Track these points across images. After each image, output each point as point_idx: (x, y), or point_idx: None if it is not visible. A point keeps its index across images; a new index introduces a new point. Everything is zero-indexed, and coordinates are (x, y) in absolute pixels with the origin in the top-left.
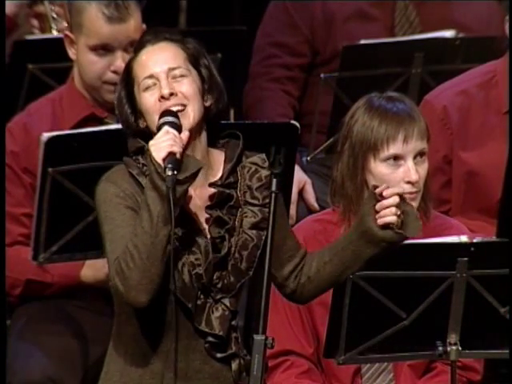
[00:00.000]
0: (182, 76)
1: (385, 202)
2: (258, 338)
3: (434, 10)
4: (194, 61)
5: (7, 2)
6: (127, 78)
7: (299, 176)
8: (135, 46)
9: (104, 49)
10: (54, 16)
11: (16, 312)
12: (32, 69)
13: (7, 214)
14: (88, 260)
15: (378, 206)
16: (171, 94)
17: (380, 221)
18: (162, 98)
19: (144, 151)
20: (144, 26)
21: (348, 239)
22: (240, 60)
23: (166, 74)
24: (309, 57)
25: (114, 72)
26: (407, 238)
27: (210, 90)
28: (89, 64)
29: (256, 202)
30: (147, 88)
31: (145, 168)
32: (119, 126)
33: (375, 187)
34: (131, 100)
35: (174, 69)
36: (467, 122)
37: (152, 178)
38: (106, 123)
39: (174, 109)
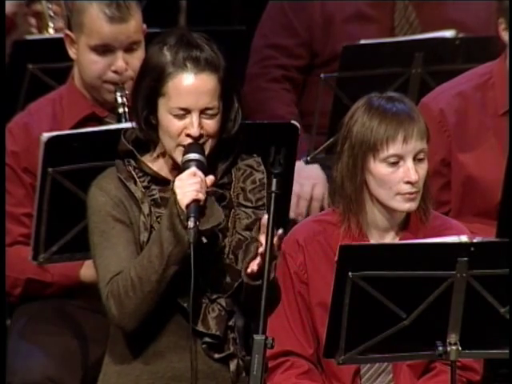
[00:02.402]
0: (212, 115)
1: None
2: (258, 338)
3: (434, 11)
4: (225, 93)
5: (6, 2)
6: (155, 84)
7: (314, 173)
8: (174, 57)
9: (105, 49)
10: (52, 14)
11: (16, 312)
12: (32, 69)
13: (7, 213)
14: (88, 260)
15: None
16: (199, 136)
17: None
18: (189, 135)
19: (132, 154)
20: (145, 26)
21: None
22: (240, 60)
23: (199, 111)
24: (306, 59)
25: (115, 72)
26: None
27: (234, 119)
28: (89, 63)
29: (249, 204)
30: (176, 115)
31: (136, 171)
32: (119, 126)
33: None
34: (151, 104)
35: (208, 109)
36: (464, 125)
37: (172, 220)
38: (107, 123)
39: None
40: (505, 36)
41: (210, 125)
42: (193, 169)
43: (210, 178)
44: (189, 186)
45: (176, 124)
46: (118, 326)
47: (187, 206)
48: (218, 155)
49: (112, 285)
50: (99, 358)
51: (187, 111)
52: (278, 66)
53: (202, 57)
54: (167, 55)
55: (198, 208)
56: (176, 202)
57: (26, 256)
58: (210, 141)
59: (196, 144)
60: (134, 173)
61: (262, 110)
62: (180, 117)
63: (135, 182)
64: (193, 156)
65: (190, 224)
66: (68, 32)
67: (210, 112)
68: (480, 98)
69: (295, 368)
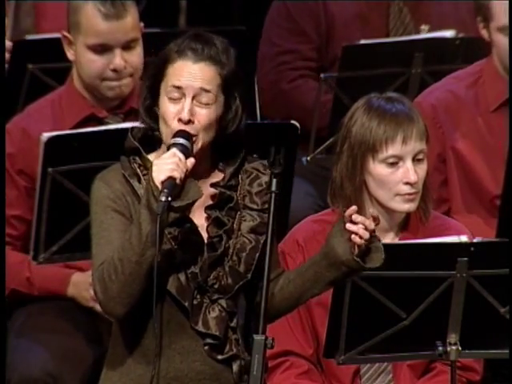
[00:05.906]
0: (206, 104)
1: (359, 222)
2: (258, 338)
3: (429, 12)
4: (226, 89)
5: None
6: (157, 70)
7: None
8: (179, 46)
9: (102, 48)
10: None
11: (15, 312)
12: (32, 69)
13: None
14: (87, 260)
15: (347, 226)
16: (189, 121)
17: (352, 237)
18: (180, 120)
19: (138, 152)
20: (142, 24)
21: (312, 260)
22: (240, 60)
23: (193, 93)
24: (318, 61)
25: (114, 70)
26: (365, 269)
27: (233, 118)
28: (88, 63)
29: (255, 206)
30: (171, 98)
31: (141, 168)
32: (119, 126)
33: (345, 210)
34: (153, 91)
35: (204, 91)
36: (457, 122)
37: (148, 198)
38: (106, 123)
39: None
40: (485, 34)
41: (203, 115)
42: (173, 150)
43: (191, 161)
44: (165, 165)
45: (170, 109)
46: (106, 312)
47: (162, 183)
48: (225, 158)
49: (98, 269)
50: (98, 354)
51: (182, 94)
52: (292, 68)
53: (206, 50)
54: (174, 45)
55: (173, 185)
56: (151, 179)
57: (12, 262)
58: (201, 134)
59: (183, 131)
60: (138, 170)
61: (293, 109)
62: (175, 100)
63: (139, 180)
64: (176, 140)
65: (162, 197)
66: (65, 33)
67: (204, 100)
68: (471, 96)
69: (295, 368)
